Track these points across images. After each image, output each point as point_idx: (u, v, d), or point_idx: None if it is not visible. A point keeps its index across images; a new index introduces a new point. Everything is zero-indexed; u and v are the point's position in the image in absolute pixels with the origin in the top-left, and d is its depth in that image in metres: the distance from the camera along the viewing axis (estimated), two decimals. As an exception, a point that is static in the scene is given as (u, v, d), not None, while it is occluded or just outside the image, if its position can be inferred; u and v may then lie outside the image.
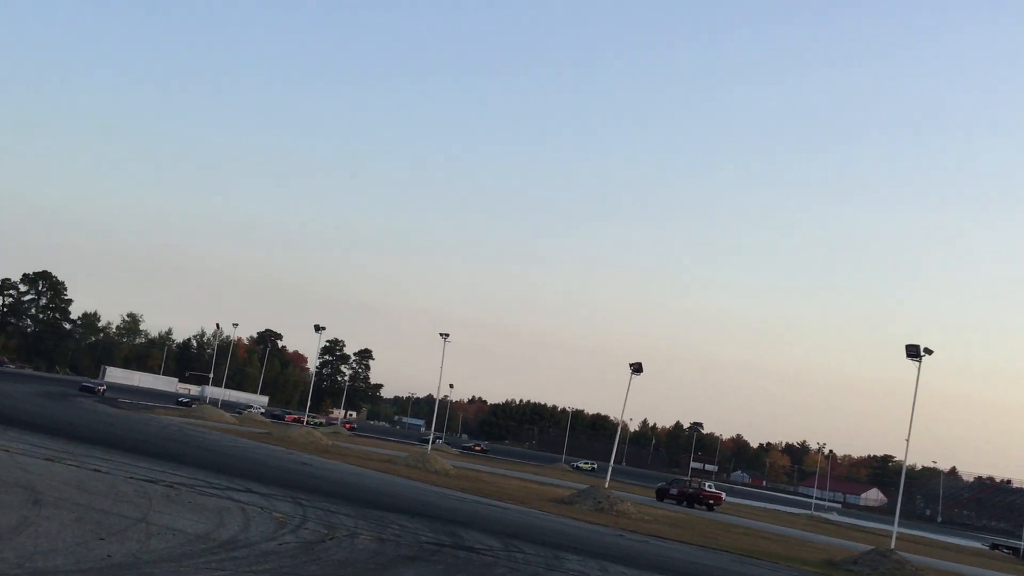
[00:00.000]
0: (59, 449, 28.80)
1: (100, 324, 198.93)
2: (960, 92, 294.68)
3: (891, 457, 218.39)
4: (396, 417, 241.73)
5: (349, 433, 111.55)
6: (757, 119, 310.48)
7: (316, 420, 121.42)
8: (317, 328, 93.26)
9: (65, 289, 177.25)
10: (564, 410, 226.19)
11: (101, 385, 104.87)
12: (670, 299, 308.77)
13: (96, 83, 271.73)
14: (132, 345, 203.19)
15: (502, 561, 19.91)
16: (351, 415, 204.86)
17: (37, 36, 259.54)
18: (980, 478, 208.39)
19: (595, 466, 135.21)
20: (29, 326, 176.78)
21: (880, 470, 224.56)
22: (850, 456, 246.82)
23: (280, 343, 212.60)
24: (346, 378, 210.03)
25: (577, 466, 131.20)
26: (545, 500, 47.72)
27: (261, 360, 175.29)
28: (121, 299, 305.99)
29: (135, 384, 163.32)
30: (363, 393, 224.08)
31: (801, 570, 33.12)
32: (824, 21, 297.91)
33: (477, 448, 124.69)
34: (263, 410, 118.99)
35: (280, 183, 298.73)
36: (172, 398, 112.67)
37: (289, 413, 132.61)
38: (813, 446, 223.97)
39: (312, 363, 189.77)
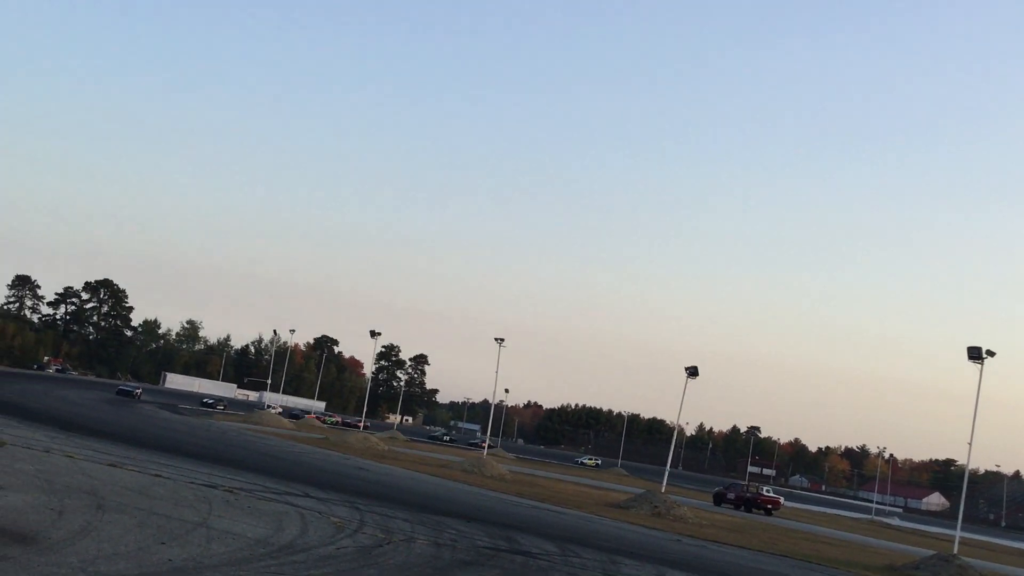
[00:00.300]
0: (121, 455, 29.31)
1: (160, 331, 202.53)
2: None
3: (953, 461, 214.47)
4: (452, 422, 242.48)
5: (405, 438, 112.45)
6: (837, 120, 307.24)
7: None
8: (373, 334, 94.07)
9: (126, 297, 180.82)
10: (620, 414, 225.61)
11: (138, 388, 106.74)
12: (726, 303, 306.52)
13: (151, 91, 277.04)
14: (192, 351, 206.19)
15: (558, 566, 19.86)
16: (407, 420, 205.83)
17: (83, 45, 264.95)
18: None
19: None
20: (91, 333, 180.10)
21: (942, 474, 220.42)
22: (911, 460, 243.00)
23: (336, 349, 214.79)
24: (402, 383, 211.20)
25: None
26: (601, 504, 47.55)
27: (318, 366, 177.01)
28: (181, 306, 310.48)
29: (195, 390, 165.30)
30: (419, 398, 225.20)
31: (862, 575, 32.64)
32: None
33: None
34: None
35: (337, 190, 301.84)
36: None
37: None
38: (873, 450, 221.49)
39: (368, 368, 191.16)
